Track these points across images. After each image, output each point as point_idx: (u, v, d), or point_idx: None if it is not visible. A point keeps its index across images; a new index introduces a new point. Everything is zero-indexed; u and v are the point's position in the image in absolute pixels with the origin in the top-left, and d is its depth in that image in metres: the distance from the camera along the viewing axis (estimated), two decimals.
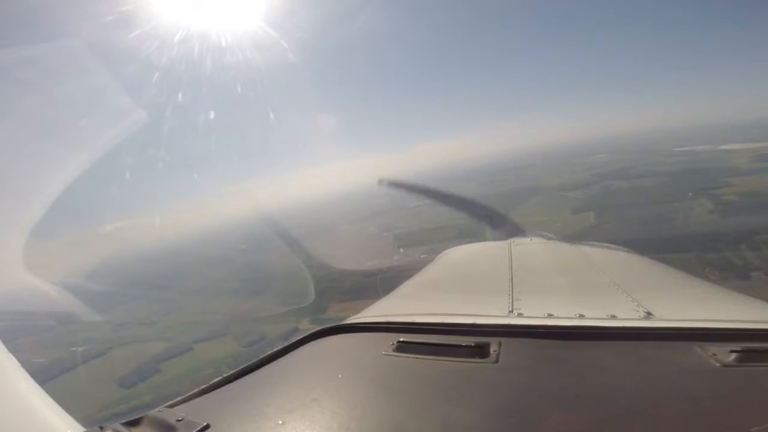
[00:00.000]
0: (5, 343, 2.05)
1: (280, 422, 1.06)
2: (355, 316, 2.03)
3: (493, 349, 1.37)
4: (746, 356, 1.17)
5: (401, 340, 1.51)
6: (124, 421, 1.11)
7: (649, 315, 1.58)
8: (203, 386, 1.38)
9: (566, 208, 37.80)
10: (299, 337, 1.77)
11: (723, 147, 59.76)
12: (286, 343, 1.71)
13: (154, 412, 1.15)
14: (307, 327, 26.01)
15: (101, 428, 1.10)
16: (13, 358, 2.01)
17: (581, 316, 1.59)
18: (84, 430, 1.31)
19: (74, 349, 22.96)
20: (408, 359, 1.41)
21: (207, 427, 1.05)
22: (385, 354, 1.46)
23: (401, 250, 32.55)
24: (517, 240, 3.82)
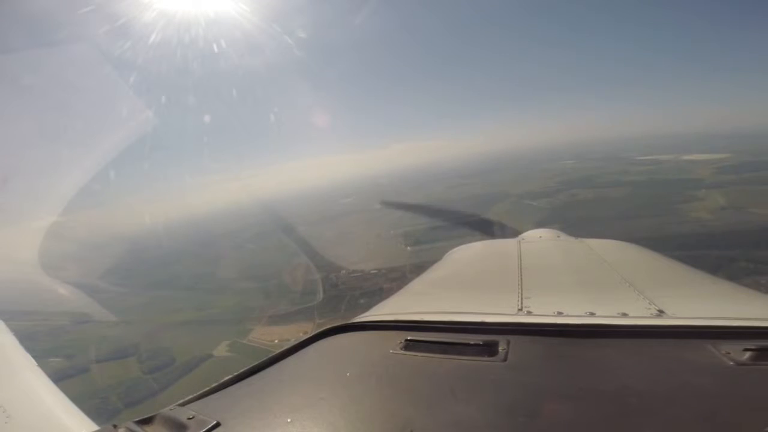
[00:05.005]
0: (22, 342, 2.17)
1: (289, 420, 1.06)
2: (362, 315, 2.01)
3: (501, 347, 1.36)
4: (760, 355, 1.15)
5: (409, 338, 1.50)
6: (137, 419, 1.13)
7: (660, 313, 1.56)
8: (214, 384, 1.40)
9: (530, 219, 36.05)
10: (307, 336, 1.75)
11: (685, 157, 60.58)
12: (294, 342, 1.70)
13: (166, 411, 1.18)
14: (222, 354, 22.47)
15: (115, 426, 1.11)
16: (30, 357, 2.17)
17: (591, 314, 1.57)
18: (98, 428, 1.35)
19: None
20: (416, 358, 1.39)
21: (217, 425, 1.06)
22: (392, 352, 1.44)
23: (408, 248, 29.65)
24: (527, 237, 3.83)
